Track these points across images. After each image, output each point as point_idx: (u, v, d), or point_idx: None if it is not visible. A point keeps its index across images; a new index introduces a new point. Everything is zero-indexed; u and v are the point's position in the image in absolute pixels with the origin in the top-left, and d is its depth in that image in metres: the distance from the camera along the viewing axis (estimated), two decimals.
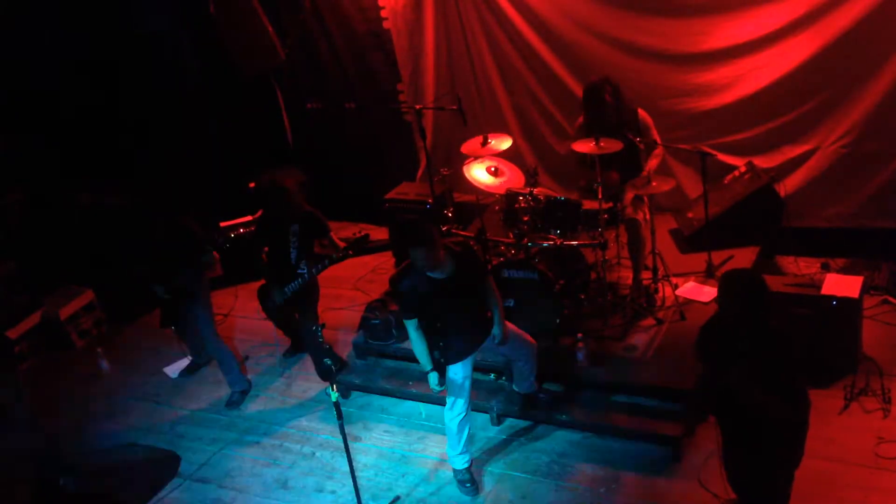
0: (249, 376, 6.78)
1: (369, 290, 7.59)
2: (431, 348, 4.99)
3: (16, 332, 7.47)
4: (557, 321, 5.89)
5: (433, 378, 5.00)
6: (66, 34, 7.59)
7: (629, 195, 6.12)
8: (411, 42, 7.84)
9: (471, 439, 5.32)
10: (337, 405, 4.53)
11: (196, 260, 6.25)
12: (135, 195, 6.43)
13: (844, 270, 6.46)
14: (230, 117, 8.45)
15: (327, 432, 6.04)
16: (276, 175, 6.12)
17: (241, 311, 7.73)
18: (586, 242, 5.95)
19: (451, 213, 6.66)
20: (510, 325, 5.27)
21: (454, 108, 6.28)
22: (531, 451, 5.55)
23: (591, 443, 5.48)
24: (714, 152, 6.42)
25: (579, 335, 5.74)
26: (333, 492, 5.51)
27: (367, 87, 8.30)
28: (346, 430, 4.60)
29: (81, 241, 7.77)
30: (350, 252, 5.86)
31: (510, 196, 6.02)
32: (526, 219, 5.92)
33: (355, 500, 4.86)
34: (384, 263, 8.04)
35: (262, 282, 6.46)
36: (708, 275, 6.41)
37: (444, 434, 5.29)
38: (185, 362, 7.11)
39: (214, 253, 6.41)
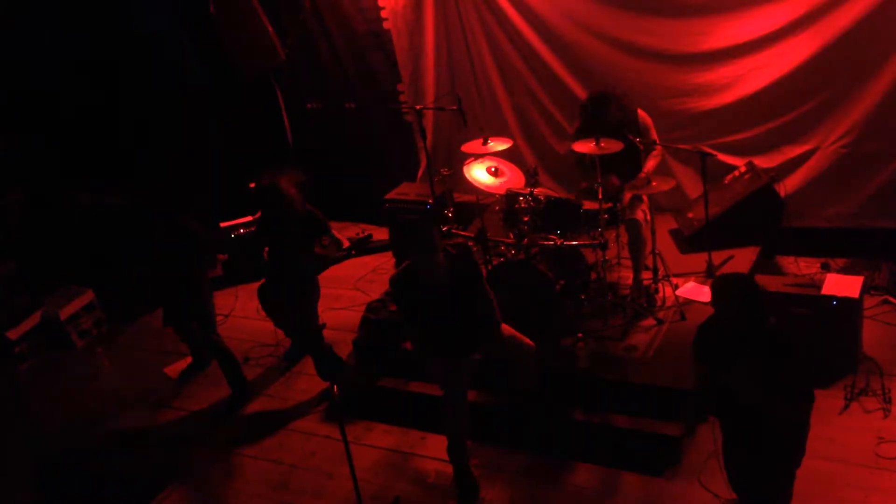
0: (250, 377, 6.77)
1: (369, 290, 7.59)
2: (432, 351, 4.98)
3: (16, 332, 7.48)
4: (557, 322, 5.89)
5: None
6: (66, 34, 7.59)
7: (628, 195, 6.13)
8: (411, 42, 7.84)
9: (471, 440, 5.31)
10: (337, 405, 4.53)
11: (196, 259, 6.25)
12: (135, 195, 6.43)
13: (845, 270, 6.46)
14: (230, 117, 8.46)
15: (327, 432, 6.04)
16: (276, 176, 6.11)
17: (242, 311, 7.73)
18: (586, 243, 5.95)
19: (451, 213, 6.66)
20: (508, 328, 5.27)
21: (454, 108, 6.29)
22: (532, 452, 5.55)
23: (592, 443, 5.48)
24: (714, 152, 6.42)
25: (579, 335, 5.74)
26: (334, 492, 5.51)
27: (367, 87, 8.31)
28: (346, 430, 4.60)
29: (81, 241, 7.77)
30: (353, 252, 5.87)
31: (510, 196, 6.02)
32: (526, 219, 5.92)
33: (355, 501, 4.86)
34: (384, 264, 8.03)
35: (263, 282, 6.47)
36: (708, 275, 6.40)
37: (445, 434, 5.29)
38: (185, 363, 7.10)
39: (220, 255, 6.40)
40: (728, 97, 6.74)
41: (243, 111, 8.52)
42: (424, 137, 6.87)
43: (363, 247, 5.84)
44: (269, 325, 6.81)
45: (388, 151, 8.52)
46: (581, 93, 6.93)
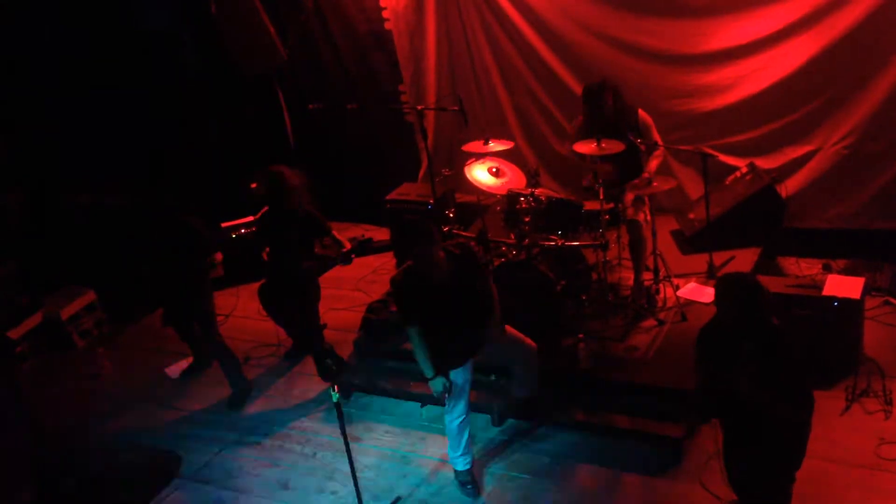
0: (251, 377, 6.78)
1: (370, 290, 7.59)
2: (433, 352, 4.98)
3: (17, 332, 7.48)
4: (558, 322, 5.88)
5: (436, 384, 4.98)
6: (66, 32, 7.59)
7: (630, 196, 6.13)
8: (412, 43, 7.85)
9: (471, 440, 5.31)
10: (338, 406, 4.53)
11: (198, 260, 6.25)
12: (135, 195, 6.43)
13: (846, 271, 6.46)
14: (231, 117, 8.46)
15: (328, 433, 6.04)
16: (275, 178, 6.11)
17: (243, 311, 7.73)
18: (587, 243, 5.95)
19: (452, 213, 6.66)
20: (509, 328, 5.27)
21: (455, 108, 6.29)
22: (532, 453, 5.55)
23: (592, 444, 5.48)
24: (715, 153, 6.42)
25: (580, 336, 5.74)
26: (334, 492, 5.50)
27: (368, 87, 8.31)
28: (347, 431, 4.59)
29: (82, 241, 7.77)
30: (353, 255, 5.89)
31: (511, 197, 6.02)
32: (527, 219, 5.92)
33: (356, 501, 4.86)
34: (386, 264, 8.04)
35: (263, 282, 6.46)
36: (709, 276, 6.40)
37: (445, 435, 5.29)
38: (186, 363, 7.10)
39: (218, 255, 6.40)
40: (729, 98, 6.75)
41: (244, 111, 8.52)
42: (425, 138, 6.88)
43: (363, 250, 5.83)
44: (270, 325, 6.82)
45: (390, 152, 8.53)
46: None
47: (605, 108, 5.97)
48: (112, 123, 7.91)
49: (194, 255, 6.21)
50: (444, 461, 5.44)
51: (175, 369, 7.12)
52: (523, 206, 5.91)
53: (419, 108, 6.66)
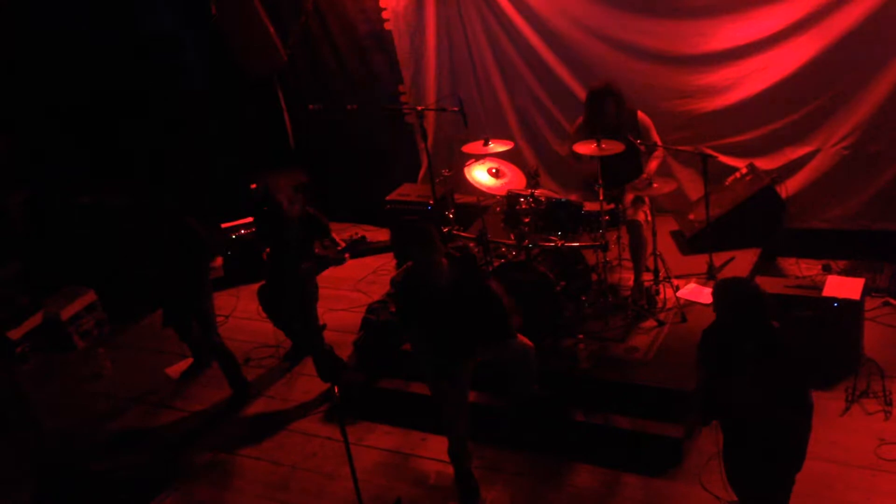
0: (251, 378, 6.78)
1: (370, 291, 7.59)
2: (433, 353, 4.98)
3: (18, 332, 7.49)
4: (558, 323, 5.88)
5: (436, 385, 4.97)
6: (67, 33, 7.60)
7: (630, 197, 6.13)
8: (413, 43, 7.85)
9: (471, 441, 5.31)
10: (338, 406, 4.53)
11: (198, 260, 6.25)
12: (136, 195, 6.44)
13: (846, 272, 6.46)
14: (232, 118, 8.46)
15: (328, 433, 6.04)
16: (270, 178, 6.11)
17: (243, 312, 7.73)
18: (587, 244, 5.95)
19: (452, 214, 6.66)
20: None
21: (455, 109, 6.29)
22: (532, 453, 5.55)
23: (592, 445, 5.47)
24: (715, 154, 6.42)
25: (580, 337, 5.74)
26: (335, 493, 5.51)
27: (368, 88, 8.32)
28: (347, 431, 4.59)
29: (82, 241, 7.78)
30: (346, 256, 5.88)
31: (511, 197, 6.01)
32: (527, 220, 5.91)
33: (356, 502, 4.86)
34: (385, 265, 8.04)
35: (263, 283, 6.47)
36: (709, 276, 6.40)
37: (445, 435, 5.29)
38: (186, 363, 7.11)
39: (218, 259, 6.40)
40: (729, 99, 6.74)
41: (245, 112, 8.53)
42: (425, 138, 6.88)
43: (356, 250, 5.83)
44: (270, 326, 6.82)
45: (390, 152, 8.53)
46: (582, 94, 6.92)
47: (607, 113, 5.97)
48: (112, 124, 7.92)
49: (194, 255, 6.21)
50: (444, 462, 5.44)
51: (175, 370, 7.12)
52: (523, 206, 5.91)
53: (419, 108, 6.66)
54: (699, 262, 6.54)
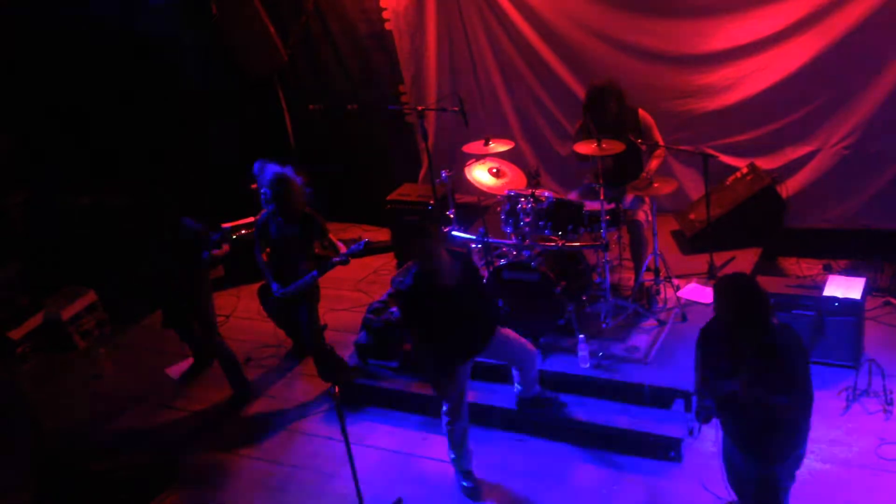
0: (251, 377, 6.78)
1: (371, 291, 7.59)
2: (435, 352, 4.98)
3: (18, 332, 7.49)
4: (559, 323, 5.88)
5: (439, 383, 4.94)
6: (67, 34, 7.60)
7: (630, 197, 6.12)
8: (413, 43, 7.85)
9: (472, 442, 5.31)
10: (339, 406, 4.53)
11: (198, 260, 6.25)
12: (136, 196, 6.44)
13: (847, 272, 6.45)
14: (232, 118, 8.46)
15: (329, 433, 6.04)
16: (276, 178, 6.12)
17: (244, 312, 7.74)
18: (588, 244, 5.95)
19: (452, 214, 6.66)
20: (508, 331, 5.27)
21: (456, 109, 6.29)
22: (533, 454, 5.55)
23: (593, 445, 5.47)
24: (716, 154, 6.42)
25: (581, 336, 5.74)
26: (335, 493, 5.50)
27: (369, 88, 8.32)
28: (348, 431, 4.60)
29: (83, 241, 7.78)
30: (348, 259, 5.90)
31: (512, 197, 6.01)
32: (527, 220, 5.92)
33: (357, 502, 4.86)
34: (386, 265, 8.05)
35: (263, 283, 6.46)
36: (710, 276, 6.41)
37: (445, 436, 5.29)
38: (187, 363, 7.11)
39: (216, 252, 6.41)
40: (730, 98, 6.74)
41: (245, 112, 8.52)
42: (426, 138, 6.88)
43: (360, 253, 5.83)
44: (271, 325, 6.82)
45: (390, 152, 8.53)
46: (583, 94, 6.92)
47: (607, 111, 5.97)
48: (112, 124, 7.92)
49: (194, 255, 6.21)
50: (444, 462, 5.44)
51: (176, 370, 7.12)
52: (524, 206, 5.91)
53: (420, 108, 6.66)
54: (700, 261, 6.55)
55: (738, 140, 6.89)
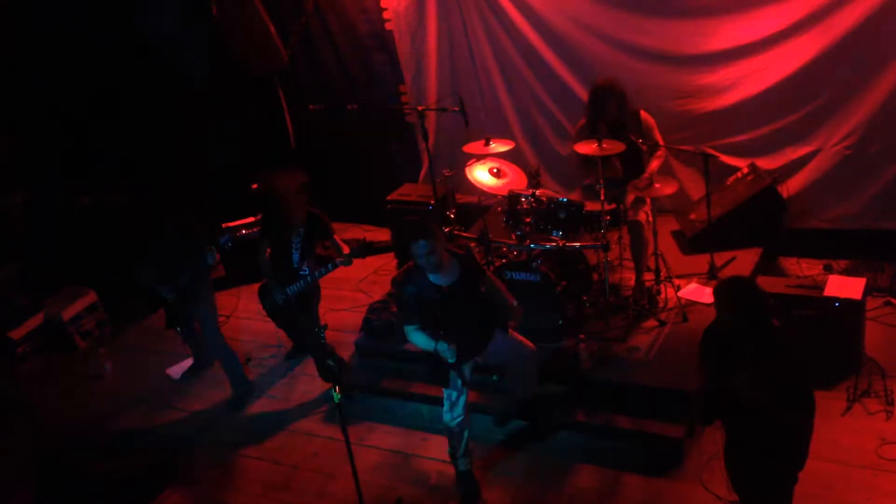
0: (252, 377, 6.78)
1: (371, 291, 7.59)
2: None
3: (19, 333, 7.49)
4: (559, 323, 5.88)
5: (444, 346, 4.88)
6: (68, 34, 7.60)
7: (631, 197, 6.12)
8: (414, 43, 7.84)
9: (472, 441, 5.31)
10: (339, 406, 4.53)
11: (199, 260, 6.25)
12: (136, 196, 6.44)
13: (847, 272, 6.45)
14: (232, 118, 8.46)
15: (329, 433, 6.04)
16: (276, 179, 6.11)
17: (244, 312, 7.74)
18: (588, 244, 5.95)
19: (453, 214, 6.66)
20: (513, 332, 5.27)
21: (456, 109, 6.29)
22: (533, 453, 5.55)
23: (593, 445, 5.48)
24: (716, 154, 6.42)
25: (581, 336, 5.74)
26: (336, 493, 5.51)
27: (369, 88, 8.31)
28: (348, 431, 4.60)
29: (83, 241, 7.78)
30: (352, 261, 5.90)
31: (512, 197, 6.01)
32: (528, 220, 5.92)
33: (357, 502, 4.86)
34: (386, 265, 8.04)
35: (264, 282, 6.46)
36: (710, 276, 6.40)
37: (446, 435, 5.29)
38: (187, 363, 7.11)
39: (216, 254, 6.41)
40: (730, 98, 6.74)
41: (245, 112, 8.52)
42: (426, 138, 6.87)
43: (364, 253, 5.83)
44: (271, 326, 6.82)
45: (391, 153, 8.53)
46: (583, 94, 6.92)
47: (608, 111, 5.97)
48: (113, 124, 7.92)
49: (194, 255, 6.21)
50: (445, 462, 5.44)
51: (176, 370, 7.12)
52: (524, 206, 5.91)
53: (420, 108, 6.66)
54: (700, 261, 6.54)
55: (738, 140, 6.88)
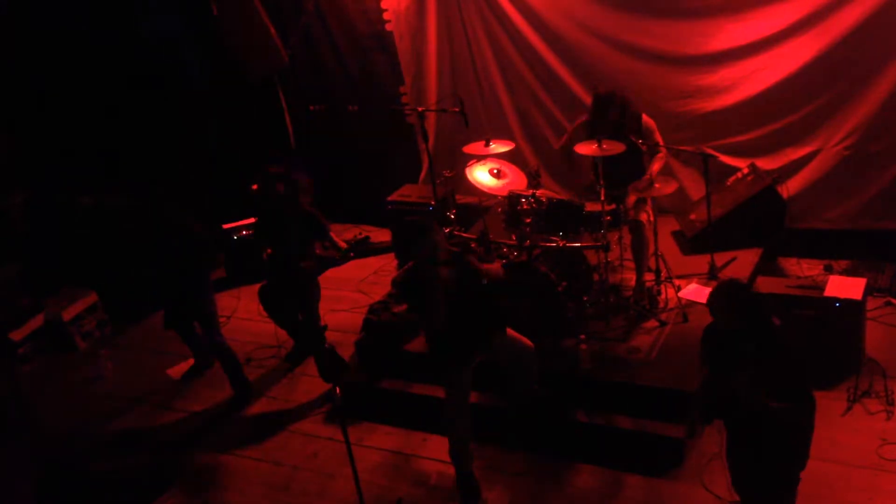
0: (252, 378, 6.78)
1: (372, 291, 7.59)
2: (438, 350, 4.97)
3: (19, 333, 7.49)
4: (560, 323, 5.88)
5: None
6: (69, 34, 7.60)
7: (632, 198, 6.12)
8: (414, 44, 7.85)
9: (472, 441, 5.31)
10: (339, 407, 4.53)
11: (199, 261, 6.25)
12: (136, 196, 6.44)
13: (847, 272, 6.46)
14: (232, 118, 8.46)
15: (330, 434, 6.04)
16: (276, 179, 6.12)
17: (244, 312, 7.73)
18: (589, 244, 5.95)
19: (453, 215, 6.66)
20: (513, 332, 5.26)
21: (456, 110, 6.29)
22: (533, 453, 5.55)
23: (594, 445, 5.47)
24: (716, 154, 6.42)
25: (582, 337, 5.73)
26: (336, 493, 5.50)
27: (369, 89, 8.32)
28: (349, 432, 4.59)
29: (83, 242, 7.77)
30: (351, 254, 5.87)
31: (512, 198, 6.01)
32: (528, 220, 5.91)
33: (358, 502, 4.86)
34: (386, 265, 8.04)
35: (264, 283, 6.46)
36: (711, 276, 6.40)
37: (446, 436, 5.28)
38: (188, 364, 7.11)
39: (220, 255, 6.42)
40: (730, 99, 6.75)
41: (246, 113, 8.52)
42: (426, 139, 6.88)
43: (361, 249, 5.83)
44: (271, 326, 6.82)
45: (391, 153, 8.53)
46: (583, 94, 6.93)
47: (609, 119, 5.97)
48: (113, 124, 7.92)
49: (194, 255, 6.21)
50: (445, 462, 5.43)
51: (177, 371, 7.12)
52: (524, 207, 5.91)
53: (420, 109, 6.67)
54: (701, 262, 6.54)
55: (738, 140, 6.89)
